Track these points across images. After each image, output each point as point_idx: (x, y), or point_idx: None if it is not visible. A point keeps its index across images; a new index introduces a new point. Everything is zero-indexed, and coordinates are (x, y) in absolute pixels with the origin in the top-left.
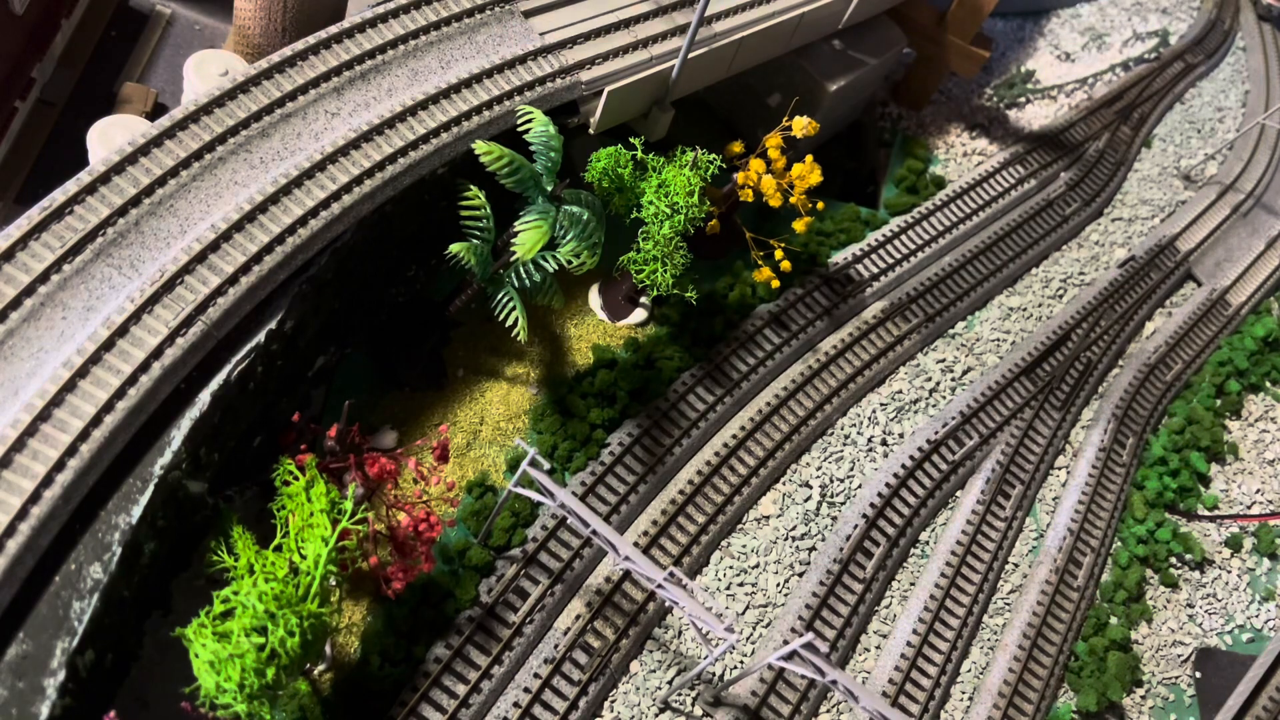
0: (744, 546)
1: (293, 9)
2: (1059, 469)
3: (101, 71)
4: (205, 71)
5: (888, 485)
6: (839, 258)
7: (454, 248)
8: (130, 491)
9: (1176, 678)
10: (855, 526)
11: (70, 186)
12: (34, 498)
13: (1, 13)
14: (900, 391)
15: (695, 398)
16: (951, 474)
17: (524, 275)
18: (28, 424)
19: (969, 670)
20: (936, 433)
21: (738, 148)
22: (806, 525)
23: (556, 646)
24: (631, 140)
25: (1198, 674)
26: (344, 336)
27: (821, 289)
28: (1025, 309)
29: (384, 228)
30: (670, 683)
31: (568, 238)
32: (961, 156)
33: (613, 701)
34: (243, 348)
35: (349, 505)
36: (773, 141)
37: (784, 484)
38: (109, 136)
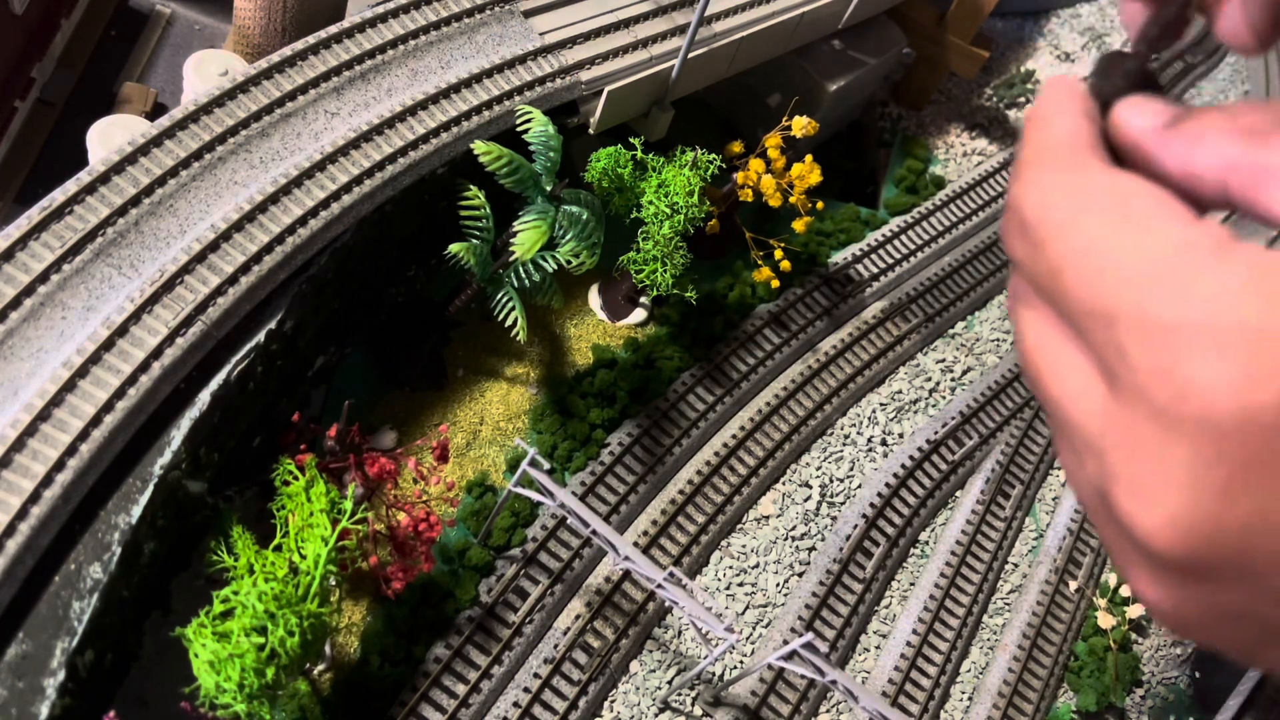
0: (744, 546)
1: (293, 9)
2: (1059, 469)
3: (101, 71)
4: (205, 71)
5: (887, 485)
6: (839, 258)
7: (453, 248)
8: (130, 491)
9: (1176, 678)
10: (855, 526)
11: (70, 186)
12: (34, 498)
13: (1, 13)
14: (900, 391)
15: (695, 398)
16: (951, 474)
17: (523, 275)
18: (27, 424)
19: (969, 670)
20: (936, 433)
21: (738, 148)
22: (806, 525)
23: (556, 646)
24: (631, 140)
25: (1197, 674)
26: (344, 336)
27: (821, 289)
28: None
29: (384, 228)
30: (670, 683)
31: (567, 238)
32: (961, 156)
33: (612, 701)
34: (242, 348)
35: (349, 505)
36: (772, 141)
37: (784, 484)
38: (109, 136)
